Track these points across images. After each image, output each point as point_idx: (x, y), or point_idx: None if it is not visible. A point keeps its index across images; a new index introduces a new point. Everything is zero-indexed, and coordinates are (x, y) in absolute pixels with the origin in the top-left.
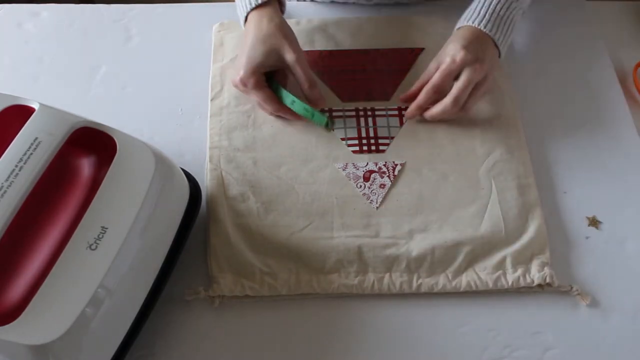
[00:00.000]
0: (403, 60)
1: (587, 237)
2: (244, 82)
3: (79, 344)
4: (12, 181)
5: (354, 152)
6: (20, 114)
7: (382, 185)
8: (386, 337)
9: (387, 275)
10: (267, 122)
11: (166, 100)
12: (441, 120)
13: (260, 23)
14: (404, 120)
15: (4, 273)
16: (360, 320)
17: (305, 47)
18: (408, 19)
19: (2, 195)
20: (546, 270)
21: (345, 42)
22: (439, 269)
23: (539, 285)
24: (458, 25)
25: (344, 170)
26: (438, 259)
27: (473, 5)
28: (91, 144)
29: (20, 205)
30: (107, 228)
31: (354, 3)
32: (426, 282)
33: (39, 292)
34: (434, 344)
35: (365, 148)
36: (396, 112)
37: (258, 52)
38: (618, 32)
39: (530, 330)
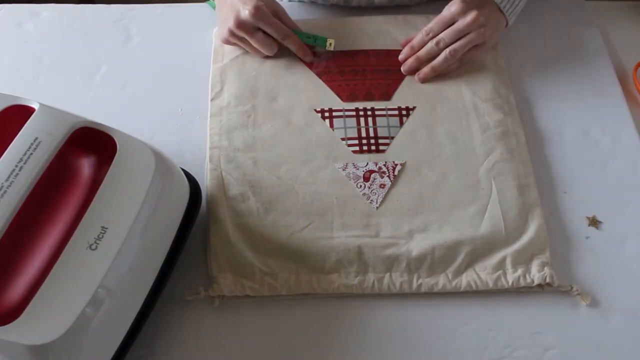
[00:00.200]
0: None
1: (587, 237)
2: (256, 12)
3: (79, 344)
4: (12, 181)
5: (354, 152)
6: (20, 114)
7: (382, 185)
8: (386, 337)
9: (387, 275)
10: (267, 122)
11: (166, 100)
12: (437, 71)
13: None
14: (404, 121)
15: (4, 273)
16: (360, 320)
17: None
18: (408, 20)
19: (2, 195)
20: (546, 270)
21: (346, 43)
22: (439, 269)
23: (539, 285)
24: None
25: (344, 170)
26: (438, 259)
27: None
28: (91, 144)
29: (20, 205)
30: (107, 228)
31: (354, 7)
32: (426, 282)
33: (39, 292)
34: (434, 344)
35: (365, 148)
36: (396, 112)
37: None
38: (618, 32)
39: (530, 330)
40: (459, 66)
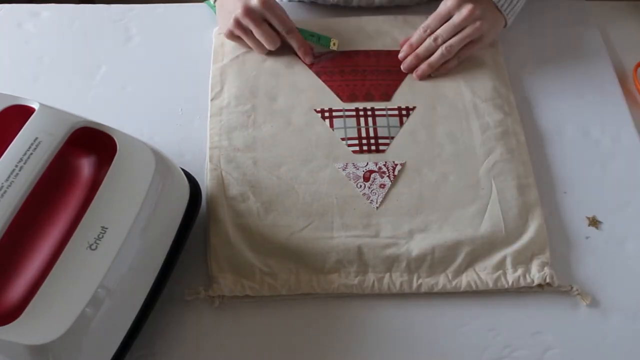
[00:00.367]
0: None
1: (587, 237)
2: (265, 1)
3: (79, 344)
4: (12, 181)
5: (354, 152)
6: (20, 114)
7: (382, 185)
8: (386, 337)
9: (387, 275)
10: (267, 122)
11: (166, 100)
12: (434, 67)
13: None
14: (404, 121)
15: (4, 273)
16: (360, 320)
17: None
18: (408, 20)
19: (2, 195)
20: (546, 270)
21: (346, 43)
22: (439, 269)
23: (539, 285)
24: None
25: (344, 170)
26: (438, 259)
27: None
28: (91, 144)
29: (20, 205)
30: (107, 228)
31: (354, 7)
32: (426, 282)
33: (39, 292)
34: (434, 344)
35: (365, 148)
36: (396, 112)
37: None
38: (618, 32)
39: (530, 330)
40: (458, 64)
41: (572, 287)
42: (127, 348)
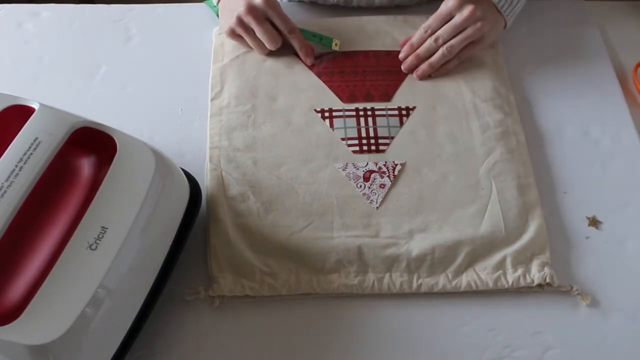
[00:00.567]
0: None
1: (587, 237)
2: (268, 0)
3: (79, 344)
4: (12, 181)
5: (354, 152)
6: (20, 114)
7: (382, 185)
8: (386, 337)
9: (387, 275)
10: (267, 122)
11: (166, 100)
12: (435, 68)
13: None
14: (404, 122)
15: (4, 273)
16: (360, 320)
17: None
18: (408, 20)
19: (2, 195)
20: (546, 270)
21: (346, 43)
22: (439, 269)
23: (539, 285)
24: None
25: (344, 170)
26: (438, 259)
27: None
28: (91, 144)
29: (20, 205)
30: (107, 228)
31: (354, 7)
32: (426, 282)
33: (39, 292)
34: (434, 344)
35: (365, 148)
36: (396, 112)
37: None
38: (618, 32)
39: (530, 330)
40: (458, 65)
41: (572, 287)
42: (127, 348)
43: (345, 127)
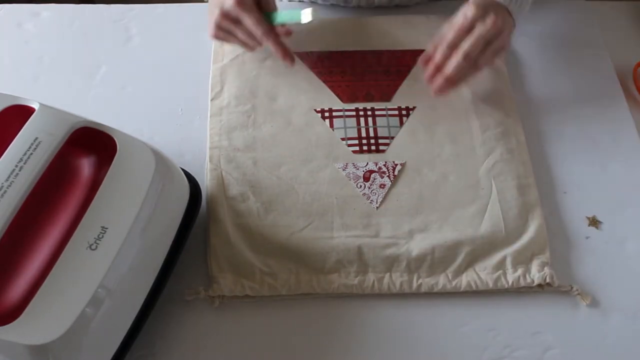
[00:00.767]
0: (403, 62)
1: (587, 237)
2: (239, 2)
3: (79, 344)
4: (12, 181)
5: (354, 152)
6: (20, 114)
7: (382, 185)
8: (386, 337)
9: (387, 275)
10: (267, 122)
11: (166, 100)
12: (459, 83)
13: None
14: (404, 122)
15: (4, 273)
16: (360, 320)
17: (305, 48)
18: (408, 20)
19: (2, 195)
20: (546, 270)
21: (346, 43)
22: (439, 269)
23: (539, 285)
24: None
25: (344, 170)
26: (438, 259)
27: None
28: (91, 144)
29: (20, 205)
30: (107, 228)
31: (354, 7)
32: (426, 282)
33: (39, 292)
34: (434, 344)
35: (365, 148)
36: (396, 112)
37: None
38: (618, 32)
39: (530, 330)
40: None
41: (572, 287)
42: (127, 348)
43: (345, 127)
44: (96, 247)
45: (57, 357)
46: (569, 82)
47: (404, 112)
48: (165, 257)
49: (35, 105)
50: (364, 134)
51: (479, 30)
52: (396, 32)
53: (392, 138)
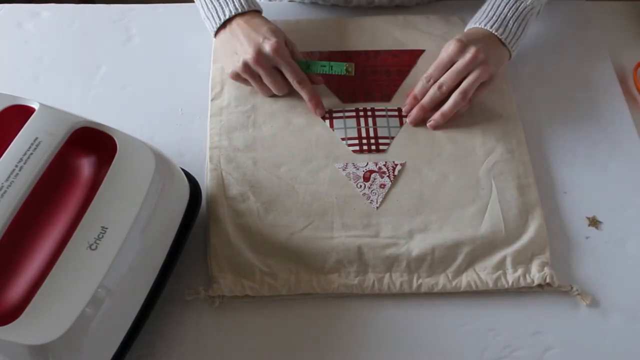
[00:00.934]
0: (403, 62)
1: (587, 237)
2: (278, 48)
3: (79, 344)
4: (12, 181)
5: (354, 152)
6: (20, 114)
7: (382, 185)
8: (386, 337)
9: (387, 275)
10: (267, 122)
11: (166, 100)
12: (450, 118)
13: (250, 19)
14: (404, 122)
15: (4, 273)
16: (360, 320)
17: (304, 48)
18: (408, 20)
19: (2, 195)
20: (546, 270)
21: (346, 43)
22: (439, 269)
23: (539, 285)
24: (466, 28)
25: (344, 170)
26: (438, 259)
27: (482, 9)
28: (91, 144)
29: (20, 205)
30: (107, 228)
31: (354, 7)
32: (426, 282)
33: (39, 292)
34: (434, 344)
35: (365, 148)
36: (396, 113)
37: (271, 26)
38: (618, 32)
39: (530, 330)
40: (469, 108)
41: (572, 287)
42: (127, 348)
43: (345, 127)
44: (96, 247)
45: (57, 357)
46: (569, 82)
47: (404, 112)
48: (165, 257)
49: (35, 105)
50: (364, 134)
51: (458, 64)
52: (396, 32)
53: (392, 138)
